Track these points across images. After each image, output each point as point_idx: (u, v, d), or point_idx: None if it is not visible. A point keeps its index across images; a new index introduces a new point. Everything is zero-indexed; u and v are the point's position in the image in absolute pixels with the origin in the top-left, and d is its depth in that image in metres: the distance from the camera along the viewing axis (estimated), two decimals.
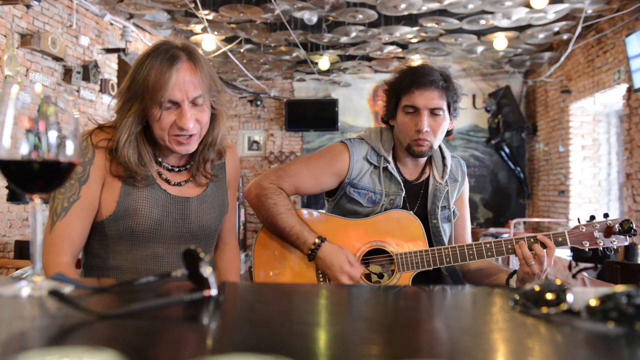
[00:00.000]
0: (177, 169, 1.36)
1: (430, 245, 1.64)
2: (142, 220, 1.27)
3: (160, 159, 1.34)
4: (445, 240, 1.71)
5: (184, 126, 1.22)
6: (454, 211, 1.74)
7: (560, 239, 1.51)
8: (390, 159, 1.67)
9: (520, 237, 1.53)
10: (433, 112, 1.59)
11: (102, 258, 1.30)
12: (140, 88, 1.22)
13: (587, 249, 1.51)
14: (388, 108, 1.70)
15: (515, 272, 1.57)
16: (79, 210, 1.24)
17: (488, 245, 1.54)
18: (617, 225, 1.48)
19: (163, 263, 1.31)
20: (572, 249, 1.51)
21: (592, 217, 1.54)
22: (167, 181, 1.33)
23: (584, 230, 1.51)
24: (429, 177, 1.73)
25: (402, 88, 1.62)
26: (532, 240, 1.51)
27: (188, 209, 1.34)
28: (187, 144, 1.27)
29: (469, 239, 1.83)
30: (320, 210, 1.72)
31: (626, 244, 1.50)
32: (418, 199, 1.71)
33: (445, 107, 1.61)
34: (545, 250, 1.48)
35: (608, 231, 1.50)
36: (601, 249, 1.50)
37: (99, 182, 1.27)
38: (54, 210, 1.24)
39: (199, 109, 1.25)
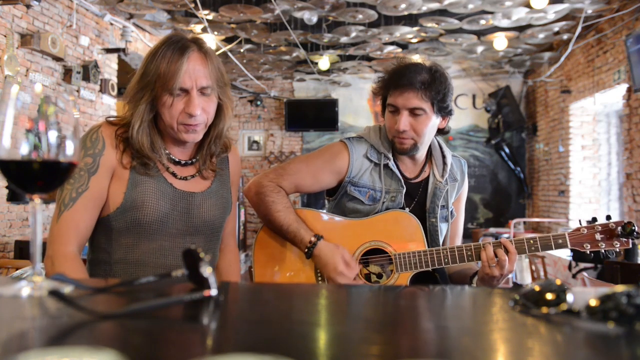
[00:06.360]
0: (183, 162, 1.38)
1: (427, 245, 1.64)
2: (148, 212, 1.29)
3: (167, 152, 1.36)
4: (441, 240, 1.71)
5: (192, 112, 1.26)
6: (451, 211, 1.73)
7: (560, 241, 1.50)
8: (390, 155, 1.68)
9: (520, 237, 1.54)
10: (413, 112, 1.59)
11: (109, 252, 1.31)
12: (153, 77, 1.26)
13: (588, 252, 1.49)
14: (381, 106, 1.74)
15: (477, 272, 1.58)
16: (87, 201, 1.25)
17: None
18: (619, 228, 1.46)
19: (169, 256, 1.32)
20: (573, 249, 1.50)
21: (594, 219, 1.53)
22: (174, 175, 1.36)
23: (585, 232, 1.49)
24: (429, 175, 1.73)
25: (386, 87, 1.67)
26: (496, 244, 1.52)
27: (193, 204, 1.36)
28: (194, 132, 1.31)
29: (459, 242, 1.83)
30: (321, 210, 1.72)
31: (628, 247, 1.47)
32: (416, 197, 1.71)
33: (427, 107, 1.58)
34: (507, 255, 1.49)
35: (610, 234, 1.47)
36: (603, 251, 1.48)
37: (108, 173, 1.29)
38: (62, 200, 1.25)
39: (207, 98, 1.30)
